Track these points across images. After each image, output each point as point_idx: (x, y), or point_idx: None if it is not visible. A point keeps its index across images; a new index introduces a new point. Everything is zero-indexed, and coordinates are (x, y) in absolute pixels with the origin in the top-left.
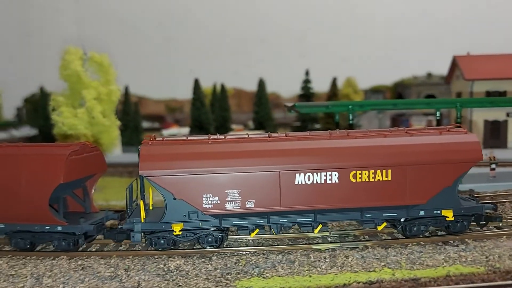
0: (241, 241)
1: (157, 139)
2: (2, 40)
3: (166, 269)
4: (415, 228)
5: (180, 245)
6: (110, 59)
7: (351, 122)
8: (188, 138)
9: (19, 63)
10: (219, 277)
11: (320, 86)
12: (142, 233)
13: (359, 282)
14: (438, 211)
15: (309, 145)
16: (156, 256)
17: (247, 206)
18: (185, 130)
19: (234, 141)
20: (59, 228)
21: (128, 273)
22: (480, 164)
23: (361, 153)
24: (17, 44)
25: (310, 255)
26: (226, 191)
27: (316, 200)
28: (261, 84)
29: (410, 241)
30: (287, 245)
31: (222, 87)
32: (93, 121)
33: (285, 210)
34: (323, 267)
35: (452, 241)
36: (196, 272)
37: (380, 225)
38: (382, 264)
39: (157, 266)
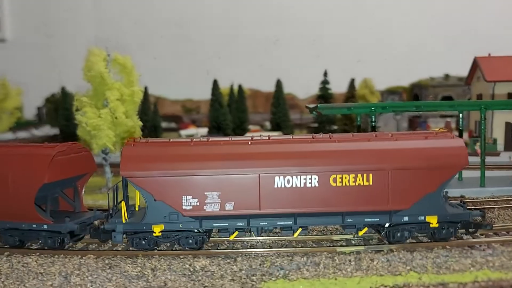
0: (265, 243)
1: (140, 140)
2: (23, 40)
3: (192, 270)
4: (398, 234)
5: (161, 245)
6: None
7: (373, 124)
8: (171, 140)
9: (39, 63)
10: (244, 278)
11: (336, 86)
12: (124, 234)
13: (385, 286)
14: (423, 217)
15: (289, 149)
16: (181, 256)
17: (227, 208)
18: (203, 130)
19: (215, 143)
20: (45, 226)
21: (155, 272)
22: (503, 167)
23: (341, 157)
24: (37, 44)
25: (335, 258)
26: (205, 193)
27: (296, 203)
28: (279, 85)
29: (435, 245)
30: (311, 247)
31: (240, 88)
32: (116, 122)
33: (265, 213)
34: (349, 270)
35: (478, 246)
36: (221, 273)
37: (361, 230)
38: (408, 267)
39: (183, 266)
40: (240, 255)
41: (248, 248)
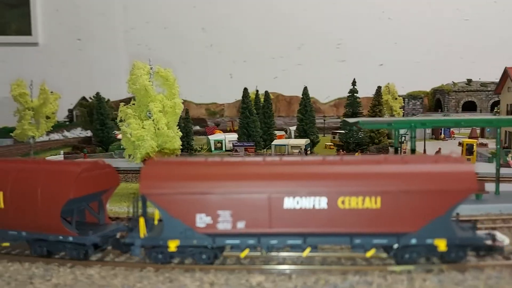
0: (315, 259)
1: (160, 160)
2: (54, 44)
3: (248, 285)
4: (407, 256)
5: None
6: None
7: (413, 139)
8: (188, 160)
9: (70, 67)
10: None
11: (359, 91)
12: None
13: None
14: (431, 240)
15: (298, 170)
16: (236, 271)
17: (238, 227)
18: (231, 136)
19: (229, 163)
20: (71, 238)
21: (213, 287)
22: None
23: (349, 180)
24: (68, 48)
25: (387, 277)
26: (218, 212)
27: (305, 224)
28: (305, 92)
29: (485, 265)
30: (362, 265)
31: (266, 93)
32: (158, 132)
33: (274, 233)
34: None
35: None
36: None
37: (369, 251)
38: None
39: (239, 282)
40: (294, 272)
41: (299, 264)
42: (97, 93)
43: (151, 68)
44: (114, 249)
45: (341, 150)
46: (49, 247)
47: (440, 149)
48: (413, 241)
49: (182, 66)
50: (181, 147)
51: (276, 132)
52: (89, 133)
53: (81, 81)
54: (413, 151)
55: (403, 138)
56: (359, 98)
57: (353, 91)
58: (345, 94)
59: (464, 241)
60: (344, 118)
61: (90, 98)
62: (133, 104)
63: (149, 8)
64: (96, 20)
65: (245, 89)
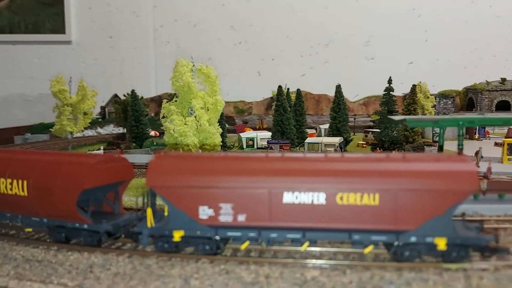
0: (368, 255)
1: (169, 154)
2: (86, 42)
3: (303, 279)
4: (407, 254)
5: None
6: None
7: (460, 135)
8: (194, 154)
9: (101, 64)
10: None
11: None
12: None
13: None
14: (431, 239)
15: (298, 166)
16: (291, 266)
17: (239, 219)
18: (263, 134)
19: (233, 158)
20: (86, 226)
21: (268, 280)
22: None
23: (348, 177)
24: (100, 46)
25: (443, 274)
26: (220, 205)
27: (304, 218)
28: (339, 90)
29: None
30: (417, 262)
31: (298, 91)
32: (200, 129)
33: (274, 226)
34: (459, 287)
35: None
36: (332, 284)
37: (367, 247)
38: None
39: (294, 276)
40: (347, 267)
41: (352, 260)
42: (132, 91)
43: (193, 66)
44: (126, 237)
45: (377, 148)
46: (67, 234)
47: (480, 148)
48: (413, 239)
49: (209, 63)
50: (221, 143)
51: (307, 130)
52: (121, 130)
53: (112, 79)
54: (441, 148)
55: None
56: (395, 96)
57: (389, 89)
58: (374, 92)
59: (465, 240)
60: (389, 116)
61: (124, 95)
62: (176, 100)
63: (178, 7)
64: (126, 18)
65: (279, 87)
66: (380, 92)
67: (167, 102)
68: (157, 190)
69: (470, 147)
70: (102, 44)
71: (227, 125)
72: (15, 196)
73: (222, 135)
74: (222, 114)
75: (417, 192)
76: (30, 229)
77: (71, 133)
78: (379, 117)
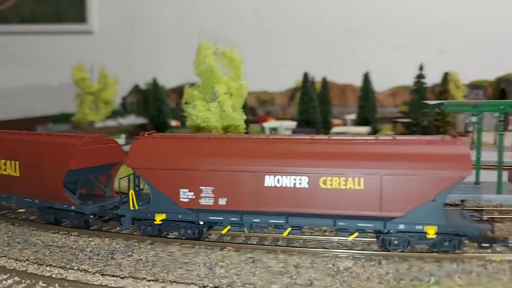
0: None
1: (151, 135)
2: (108, 32)
3: (335, 269)
4: (396, 242)
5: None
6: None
7: (500, 121)
8: (177, 135)
9: (123, 54)
10: (392, 282)
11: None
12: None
13: None
14: (421, 227)
15: (281, 148)
16: (322, 255)
17: (220, 203)
18: (287, 123)
19: (216, 140)
20: (73, 207)
21: (298, 270)
22: None
23: (332, 160)
24: (121, 35)
25: (487, 266)
26: (200, 188)
27: (286, 203)
28: (367, 78)
29: None
30: (458, 253)
31: (324, 80)
32: (223, 115)
33: (255, 210)
34: (505, 280)
35: None
36: (367, 275)
37: (351, 234)
38: None
39: (326, 266)
40: (383, 257)
41: (389, 251)
42: (154, 80)
43: (216, 49)
44: (114, 220)
45: None
46: (56, 215)
47: None
48: (401, 226)
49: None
50: (245, 130)
51: (333, 120)
52: (142, 120)
53: (133, 69)
54: (478, 135)
55: (471, 127)
56: (426, 83)
57: (420, 76)
58: (402, 82)
59: (457, 229)
60: (424, 101)
61: (146, 85)
62: (198, 86)
63: None
64: (148, 7)
65: (305, 74)
66: (408, 82)
67: (189, 87)
68: (138, 172)
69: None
70: (123, 34)
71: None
72: (9, 177)
73: (245, 123)
74: (245, 103)
75: (404, 176)
76: (23, 210)
77: (93, 122)
78: (407, 107)
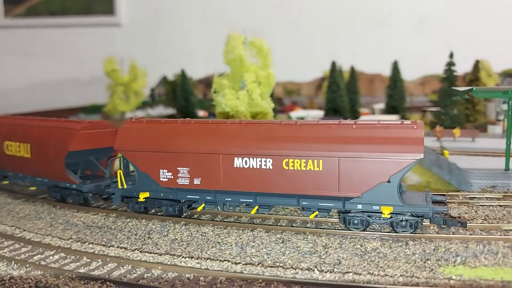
0: (433, 229)
1: (139, 119)
2: (136, 24)
3: (363, 250)
4: (355, 221)
5: (151, 210)
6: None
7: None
8: (160, 120)
9: (150, 46)
10: (419, 262)
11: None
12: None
13: None
14: (378, 207)
15: (250, 132)
16: (350, 236)
17: (195, 183)
18: (314, 113)
19: (196, 124)
20: (74, 186)
21: (327, 250)
22: None
23: (294, 143)
24: (149, 28)
25: None
26: (178, 168)
27: (253, 183)
28: (396, 67)
29: None
30: (484, 236)
31: (352, 69)
32: (251, 103)
33: (226, 190)
34: None
35: None
36: (394, 255)
37: (312, 213)
38: None
39: (354, 246)
40: (410, 239)
41: (415, 233)
42: (182, 70)
43: (245, 39)
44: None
45: (437, 126)
46: (61, 193)
47: None
48: (359, 206)
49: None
50: (273, 118)
51: (360, 109)
52: (171, 111)
53: (161, 61)
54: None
55: (502, 116)
56: (456, 71)
57: (450, 64)
58: (432, 71)
59: (412, 210)
60: (454, 87)
61: (174, 76)
62: (228, 75)
63: None
64: (175, 0)
65: (333, 63)
66: (438, 71)
67: (218, 76)
68: (124, 154)
69: None
70: (151, 26)
71: (276, 105)
72: (23, 158)
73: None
74: (272, 93)
75: (359, 158)
76: (34, 188)
77: (123, 112)
78: (437, 96)
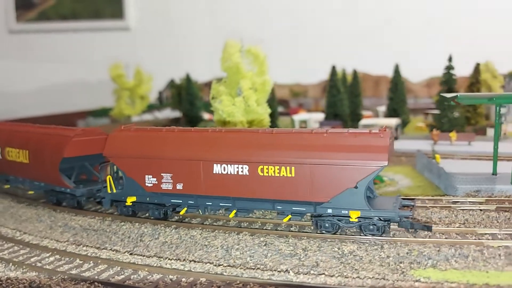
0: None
1: (128, 127)
2: (144, 28)
3: (341, 253)
4: (326, 225)
5: (137, 213)
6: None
7: (501, 114)
8: (147, 128)
9: (159, 50)
10: (392, 264)
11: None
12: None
13: None
14: (346, 211)
15: (228, 140)
16: (329, 240)
17: (177, 188)
18: (316, 116)
19: (179, 132)
20: (68, 190)
21: (306, 252)
22: None
23: (267, 150)
24: (157, 32)
25: (484, 251)
26: (161, 174)
27: (231, 188)
28: (397, 69)
29: None
30: (457, 239)
31: (354, 72)
32: (248, 109)
33: (206, 195)
34: (499, 264)
35: None
36: (369, 258)
37: (286, 217)
38: None
39: (332, 249)
40: (386, 242)
41: (391, 237)
42: (187, 74)
43: (242, 46)
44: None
45: (434, 129)
46: (57, 197)
47: None
48: (329, 210)
49: (264, 45)
50: (269, 123)
51: (363, 112)
52: (177, 114)
53: (169, 64)
54: (497, 128)
55: (503, 118)
56: (455, 75)
57: (448, 68)
58: (439, 73)
59: (378, 214)
60: (441, 94)
61: (180, 80)
62: (225, 81)
63: None
64: (183, 4)
65: (333, 67)
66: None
67: (216, 83)
68: (112, 160)
69: None
70: (159, 30)
71: (281, 108)
72: (22, 163)
73: (273, 117)
74: (274, 97)
75: (328, 165)
76: (32, 192)
77: (129, 116)
78: (436, 99)
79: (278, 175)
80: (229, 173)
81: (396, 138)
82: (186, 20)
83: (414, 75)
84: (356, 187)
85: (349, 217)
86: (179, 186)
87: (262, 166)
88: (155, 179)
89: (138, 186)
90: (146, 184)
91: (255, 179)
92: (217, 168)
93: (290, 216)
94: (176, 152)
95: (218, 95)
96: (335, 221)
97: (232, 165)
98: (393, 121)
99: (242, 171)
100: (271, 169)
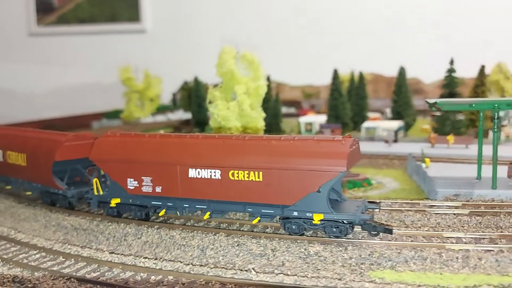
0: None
1: (114, 133)
2: (160, 31)
3: (307, 253)
4: (293, 227)
5: (123, 214)
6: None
7: (496, 120)
8: (133, 133)
9: (174, 52)
10: (354, 265)
11: (464, 71)
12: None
13: (489, 285)
14: (310, 214)
15: (202, 146)
16: (298, 241)
17: (157, 190)
18: (321, 118)
19: (160, 137)
20: (60, 191)
21: (275, 253)
22: None
23: (237, 156)
24: (172, 35)
25: (443, 254)
26: (142, 177)
27: (205, 192)
28: (402, 72)
29: None
30: (421, 242)
31: (360, 74)
32: (242, 113)
33: (183, 197)
34: (455, 266)
35: None
36: (333, 259)
37: (255, 219)
38: None
39: (299, 250)
40: (351, 244)
41: (358, 239)
42: (195, 77)
43: (237, 52)
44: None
45: (431, 132)
46: (51, 197)
47: None
48: (295, 213)
49: (274, 48)
50: (264, 127)
51: (370, 114)
52: (189, 115)
53: (183, 66)
54: (481, 133)
55: (506, 121)
56: (457, 78)
57: (450, 71)
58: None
59: (340, 217)
60: (426, 100)
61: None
62: (221, 86)
63: None
64: (194, 6)
65: (335, 71)
66: (458, 73)
67: (213, 87)
68: (97, 164)
69: None
70: (174, 32)
71: (294, 109)
72: (20, 166)
73: (276, 119)
74: (278, 99)
75: (293, 171)
76: (30, 193)
77: (139, 118)
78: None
79: (247, 179)
80: (203, 177)
81: (395, 141)
82: (200, 22)
83: (427, 76)
84: (318, 191)
85: (313, 219)
86: (158, 189)
87: (233, 171)
88: (136, 182)
89: (121, 189)
90: (128, 187)
91: (227, 183)
92: (192, 172)
93: (259, 218)
94: (155, 156)
95: (214, 100)
96: (301, 223)
97: (206, 170)
98: (395, 124)
99: (215, 175)
100: (241, 173)
